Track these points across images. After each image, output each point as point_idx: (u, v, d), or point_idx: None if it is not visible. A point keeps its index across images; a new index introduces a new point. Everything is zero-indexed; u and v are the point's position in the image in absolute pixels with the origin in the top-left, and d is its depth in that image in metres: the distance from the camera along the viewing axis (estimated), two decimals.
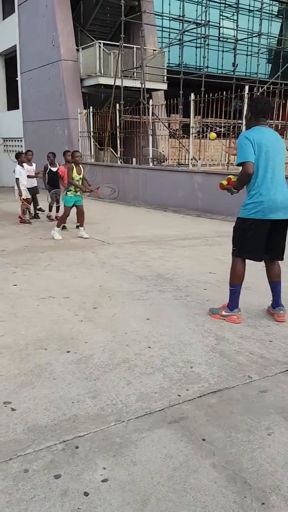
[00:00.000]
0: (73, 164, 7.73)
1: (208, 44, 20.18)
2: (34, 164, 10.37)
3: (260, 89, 16.00)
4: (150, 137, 13.61)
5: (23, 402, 2.71)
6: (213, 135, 4.34)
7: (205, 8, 16.67)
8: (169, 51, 21.02)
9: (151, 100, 13.88)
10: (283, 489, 2.07)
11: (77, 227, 8.25)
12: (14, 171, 9.86)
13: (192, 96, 11.89)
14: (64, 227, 8.40)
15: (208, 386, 2.92)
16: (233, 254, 4.10)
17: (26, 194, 9.70)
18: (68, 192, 7.79)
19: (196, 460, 2.24)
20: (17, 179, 9.67)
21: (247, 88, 10.44)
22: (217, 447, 2.35)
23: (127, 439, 2.39)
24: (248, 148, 3.74)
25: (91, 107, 15.66)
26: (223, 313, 4.10)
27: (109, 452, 2.29)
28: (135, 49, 16.66)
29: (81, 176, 7.76)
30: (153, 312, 4.24)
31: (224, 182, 4.20)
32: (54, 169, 9.78)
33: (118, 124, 14.61)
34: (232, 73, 19.59)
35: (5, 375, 3.04)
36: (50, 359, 3.26)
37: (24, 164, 10.01)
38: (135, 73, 16.71)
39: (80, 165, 7.79)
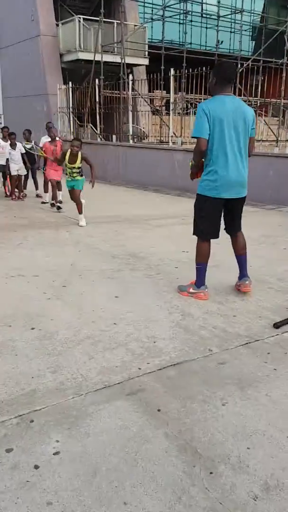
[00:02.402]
0: (69, 150, 7.10)
1: (191, 21, 19.89)
2: (8, 142, 10.22)
3: (242, 65, 15.83)
4: (130, 113, 13.44)
5: None
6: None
7: None
8: (152, 27, 20.64)
9: (130, 75, 13.65)
10: (232, 458, 2.13)
11: (52, 205, 8.60)
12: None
13: (172, 72, 11.73)
14: (52, 205, 8.68)
15: (169, 360, 2.96)
16: (193, 233, 4.10)
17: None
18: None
19: (150, 430, 2.29)
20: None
21: None
22: (171, 417, 2.40)
23: (83, 412, 2.43)
24: (203, 122, 3.63)
25: (70, 83, 15.38)
26: (191, 290, 4.14)
27: (63, 425, 2.32)
28: (115, 24, 16.31)
29: (75, 165, 7.06)
30: (123, 290, 4.26)
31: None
32: (28, 146, 9.80)
33: (97, 100, 14.38)
34: (216, 49, 19.30)
35: None
36: (13, 335, 3.27)
37: (0, 140, 9.90)
38: (115, 48, 16.40)
39: (79, 154, 6.98)
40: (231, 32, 24.63)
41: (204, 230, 3.99)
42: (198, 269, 4.13)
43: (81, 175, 7.22)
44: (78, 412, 2.43)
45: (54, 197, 8.63)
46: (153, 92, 16.87)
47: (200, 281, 4.12)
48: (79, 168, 7.11)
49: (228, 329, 3.45)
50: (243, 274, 4.21)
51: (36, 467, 2.04)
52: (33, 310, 3.73)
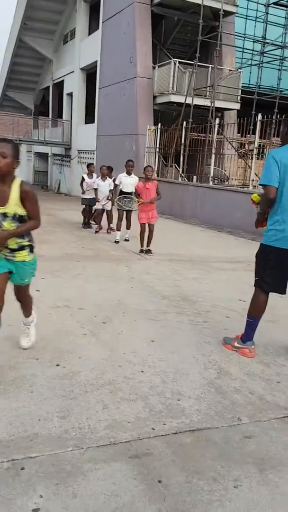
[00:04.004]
0: None
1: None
2: (94, 176, 10.66)
3: None
4: (213, 156, 13.40)
5: None
6: (255, 196, 4.11)
7: (285, 30, 16.26)
8: (250, 72, 20.76)
9: (217, 119, 13.69)
10: None
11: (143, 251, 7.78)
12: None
13: (259, 117, 11.58)
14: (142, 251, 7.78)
15: (188, 423, 2.68)
16: (255, 284, 3.82)
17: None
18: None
19: (142, 504, 2.04)
20: (95, 189, 9.88)
21: None
22: (171, 492, 2.12)
23: (78, 468, 2.23)
24: (273, 170, 3.47)
25: (159, 124, 15.77)
26: (235, 344, 3.82)
27: (53, 479, 2.14)
28: (210, 68, 16.60)
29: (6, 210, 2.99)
30: (162, 334, 4.04)
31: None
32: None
33: (183, 142, 14.57)
34: None
35: None
36: (36, 370, 3.18)
37: (86, 176, 10.39)
38: (208, 92, 16.63)
39: (13, 186, 3.01)
40: None
41: (271, 284, 3.68)
42: (248, 323, 3.82)
43: (31, 249, 3.23)
44: (73, 467, 2.24)
45: (142, 243, 7.76)
46: (245, 136, 16.76)
47: (247, 336, 3.80)
48: (19, 219, 3.04)
49: (267, 397, 3.08)
50: None
51: None
52: (65, 345, 3.63)
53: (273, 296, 3.78)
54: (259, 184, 3.74)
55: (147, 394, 2.97)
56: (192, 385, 3.14)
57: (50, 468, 2.22)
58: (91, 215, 10.66)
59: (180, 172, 14.75)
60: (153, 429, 2.59)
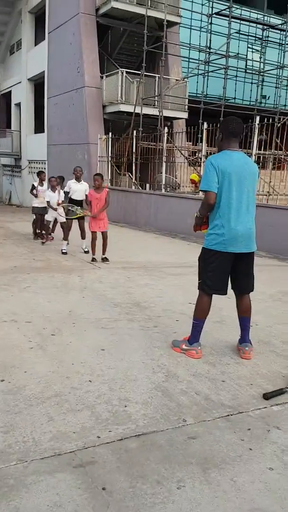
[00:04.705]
0: None
1: (236, 76, 20.31)
2: (45, 184, 10.52)
3: (281, 119, 15.81)
4: (164, 164, 13.59)
5: None
6: (194, 176, 4.25)
7: (228, 39, 16.79)
8: (197, 82, 21.25)
9: (166, 128, 13.92)
10: None
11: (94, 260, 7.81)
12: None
13: (205, 125, 11.88)
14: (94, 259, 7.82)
15: (134, 429, 2.70)
16: (198, 286, 3.92)
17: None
18: None
19: None
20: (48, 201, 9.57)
21: (257, 118, 10.32)
22: (115, 498, 2.13)
23: (21, 482, 2.20)
24: (212, 176, 3.58)
25: (110, 133, 15.86)
26: (183, 346, 3.89)
27: None
28: (157, 78, 16.86)
29: None
30: (112, 342, 4.06)
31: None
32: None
33: (134, 150, 14.71)
34: (259, 104, 19.51)
35: None
36: None
37: (37, 184, 10.30)
38: (156, 101, 16.88)
39: None
40: (276, 87, 24.99)
41: (211, 285, 3.79)
42: (194, 325, 3.90)
43: None
44: (16, 481, 2.21)
45: (94, 251, 7.83)
46: (195, 145, 17.06)
47: (194, 338, 3.88)
48: None
49: (212, 396, 3.15)
50: (244, 339, 3.94)
51: None
52: (10, 360, 3.57)
53: (221, 298, 3.88)
54: (200, 190, 3.85)
55: (94, 403, 2.97)
56: (139, 390, 3.17)
57: None
58: (42, 225, 10.47)
59: (133, 180, 14.86)
60: (99, 437, 2.60)
